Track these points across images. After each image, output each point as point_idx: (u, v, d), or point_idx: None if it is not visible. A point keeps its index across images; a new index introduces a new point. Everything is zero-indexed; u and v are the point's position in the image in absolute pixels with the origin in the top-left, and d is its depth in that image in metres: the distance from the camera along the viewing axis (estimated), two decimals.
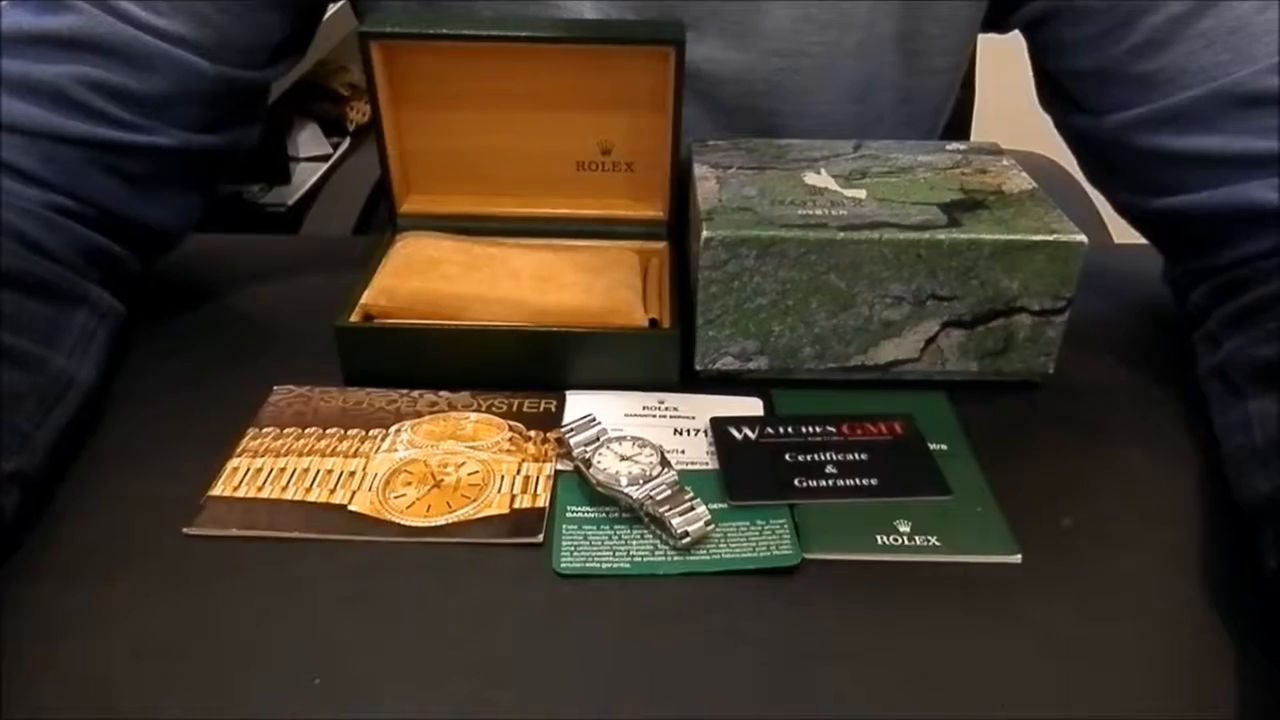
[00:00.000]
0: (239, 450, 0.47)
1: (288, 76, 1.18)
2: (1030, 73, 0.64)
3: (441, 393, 0.51)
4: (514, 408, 0.50)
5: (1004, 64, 0.83)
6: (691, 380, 0.52)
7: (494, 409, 0.50)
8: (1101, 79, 0.57)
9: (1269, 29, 0.51)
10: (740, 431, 0.48)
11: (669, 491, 0.43)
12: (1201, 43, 0.53)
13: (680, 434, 0.49)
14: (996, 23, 0.64)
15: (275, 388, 0.51)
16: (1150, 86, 0.54)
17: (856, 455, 0.47)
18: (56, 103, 0.51)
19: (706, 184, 0.54)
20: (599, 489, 0.44)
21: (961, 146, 0.60)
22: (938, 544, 0.42)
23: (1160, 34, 0.54)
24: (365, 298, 0.53)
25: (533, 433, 0.48)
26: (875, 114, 0.65)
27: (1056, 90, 0.61)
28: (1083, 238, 0.49)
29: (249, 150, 0.62)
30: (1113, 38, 0.55)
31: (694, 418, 0.50)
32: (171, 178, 0.56)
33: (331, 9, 0.66)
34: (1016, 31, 0.64)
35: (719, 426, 0.49)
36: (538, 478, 0.45)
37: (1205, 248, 0.54)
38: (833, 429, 0.48)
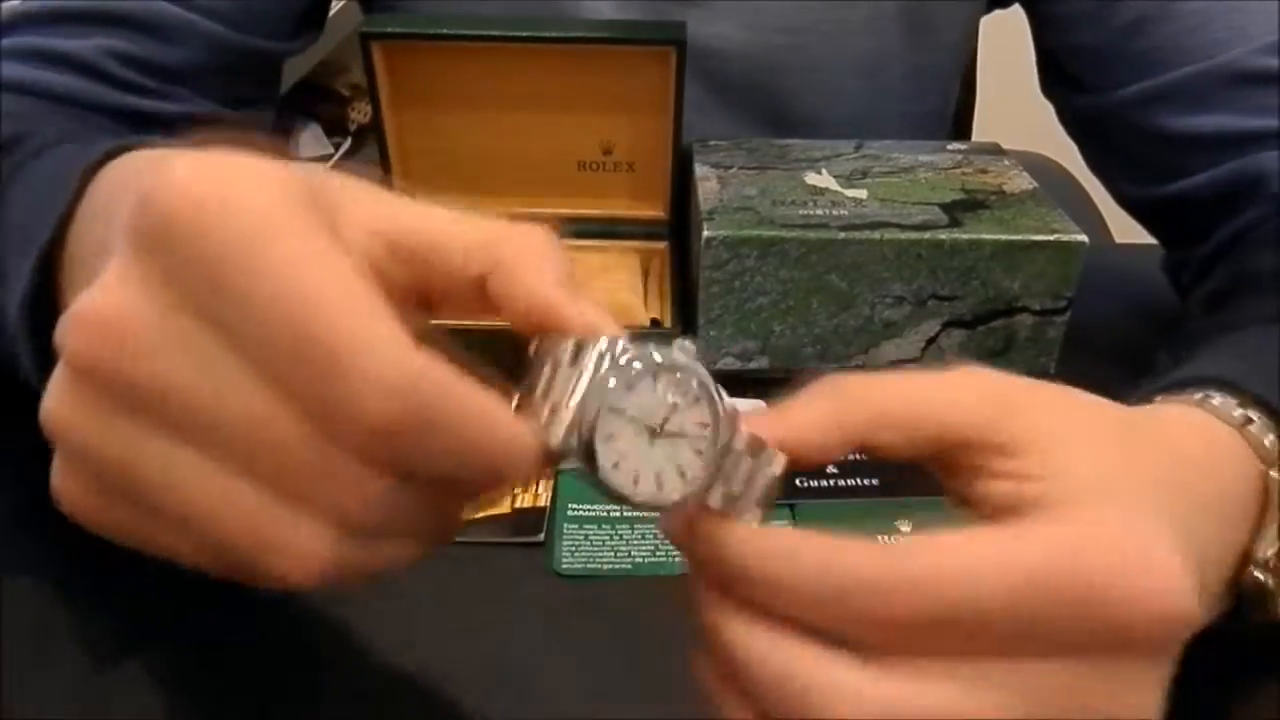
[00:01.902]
0: None
1: (290, 77, 1.18)
2: (1031, 74, 0.64)
3: None
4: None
5: (1005, 64, 0.83)
6: None
7: None
8: (1100, 55, 0.57)
9: (1265, 9, 0.51)
10: None
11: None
12: (1198, 19, 0.53)
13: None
14: None
15: None
16: (1148, 63, 0.54)
17: (856, 455, 0.47)
18: (86, 74, 0.51)
19: (708, 184, 0.54)
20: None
21: (962, 146, 0.60)
22: None
23: (1154, 8, 0.54)
24: None
25: None
26: (884, 90, 0.65)
27: (1059, 73, 0.61)
28: (1083, 237, 0.49)
29: (265, 133, 0.62)
30: (1107, 11, 0.55)
31: None
32: None
33: (335, 7, 0.66)
34: (1018, 33, 0.64)
35: None
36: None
37: (1203, 231, 0.54)
38: None
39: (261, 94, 0.61)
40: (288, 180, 0.23)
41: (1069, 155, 0.64)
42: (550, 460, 0.26)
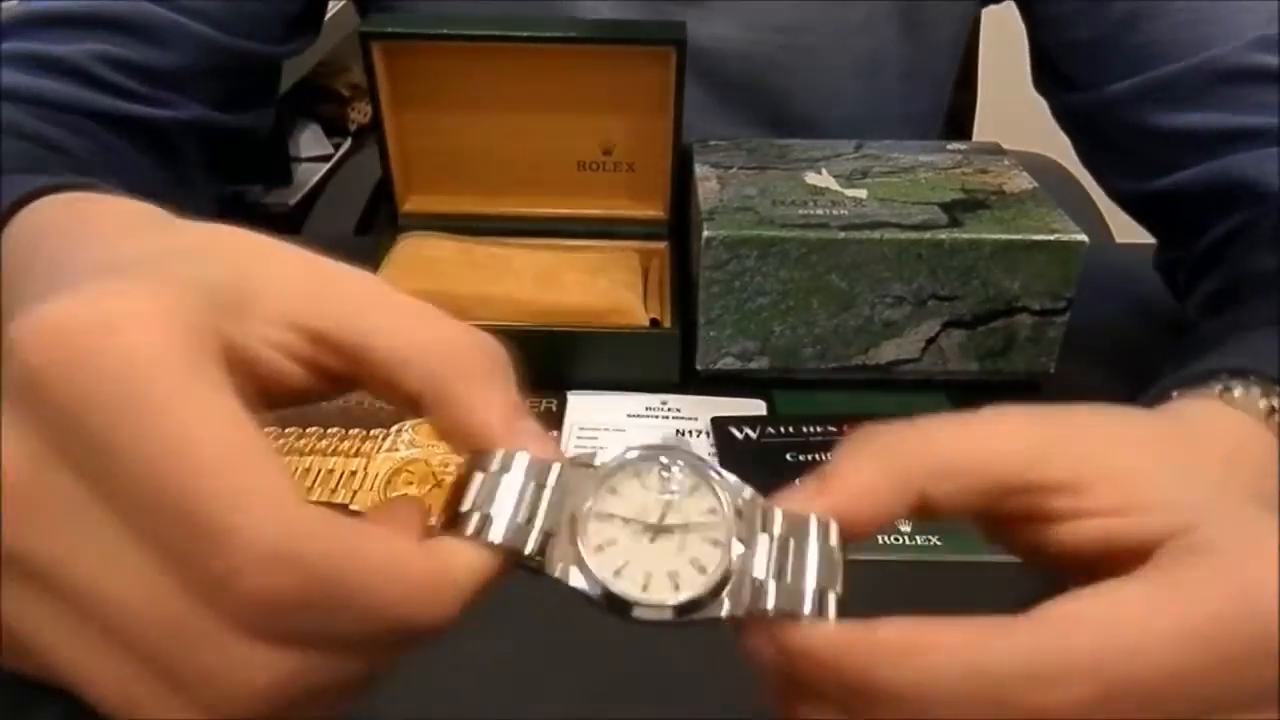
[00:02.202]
0: None
1: (289, 77, 1.18)
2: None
3: None
4: None
5: (1005, 64, 0.83)
6: (693, 380, 0.52)
7: None
8: (1092, 51, 0.57)
9: (1256, 5, 0.51)
10: (741, 431, 0.48)
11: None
12: (1190, 15, 0.53)
13: (682, 434, 0.49)
14: None
15: None
16: (1140, 59, 0.54)
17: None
18: (77, 78, 0.51)
19: (708, 184, 0.54)
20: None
21: (962, 146, 0.60)
22: (938, 544, 0.42)
23: (1144, 5, 0.54)
24: None
25: None
26: (880, 89, 0.65)
27: (1052, 70, 0.61)
28: (1083, 237, 0.49)
29: (264, 134, 0.62)
30: (1100, 8, 0.56)
31: (695, 418, 0.50)
32: (194, 155, 0.57)
33: (334, 7, 0.66)
34: (1018, 33, 0.64)
35: (720, 427, 0.49)
36: None
37: (1194, 229, 0.54)
38: (834, 429, 0.48)
39: (258, 98, 0.60)
40: (170, 314, 0.21)
41: (1069, 155, 0.64)
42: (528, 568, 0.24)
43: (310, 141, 1.62)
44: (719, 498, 0.23)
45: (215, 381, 0.21)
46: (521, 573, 0.42)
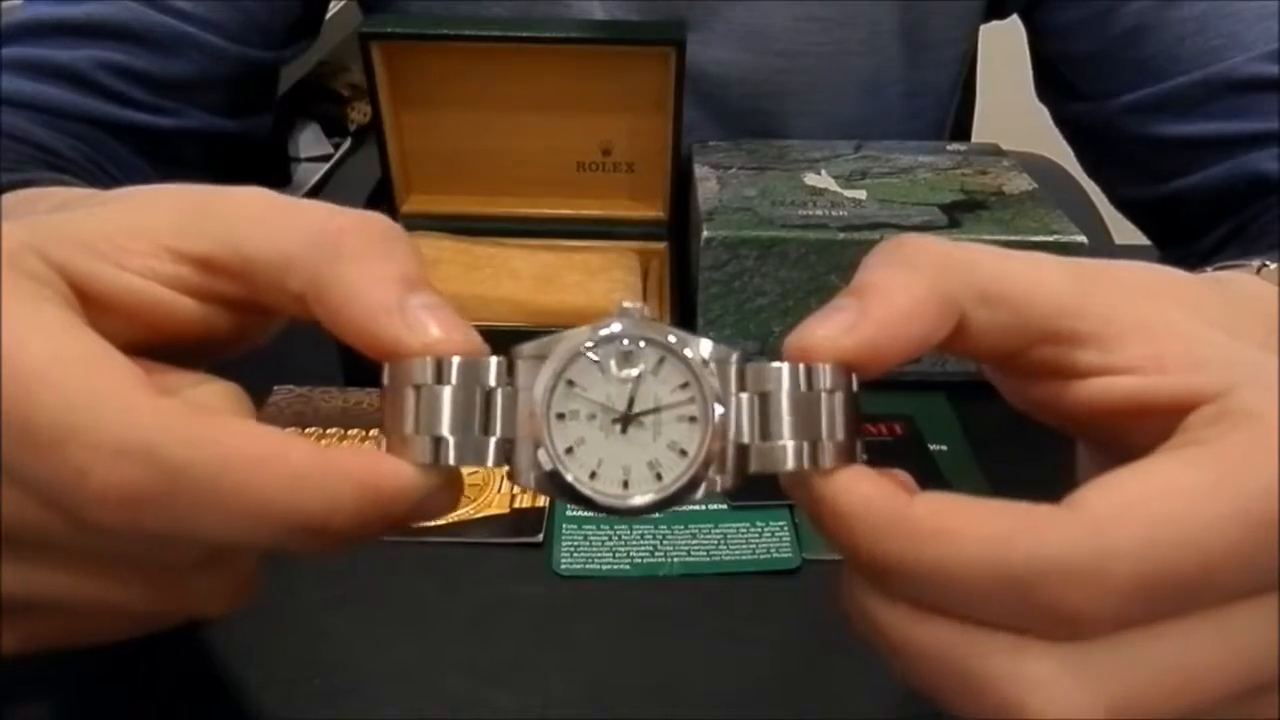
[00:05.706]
0: None
1: (289, 77, 1.18)
2: (1031, 75, 0.64)
3: None
4: None
5: (1005, 66, 0.83)
6: None
7: None
8: (1096, 63, 0.57)
9: (1263, 14, 0.51)
10: None
11: None
12: (1193, 27, 0.53)
13: None
14: (998, 8, 0.64)
15: (275, 387, 0.51)
16: (1144, 71, 0.54)
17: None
18: (78, 85, 0.51)
19: (707, 184, 0.54)
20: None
21: (962, 147, 0.60)
22: None
23: (1148, 17, 0.54)
24: None
25: None
26: (882, 109, 0.65)
27: (1054, 79, 0.61)
28: (1082, 238, 0.49)
29: (263, 139, 0.62)
30: (1103, 21, 0.56)
31: None
32: (194, 162, 0.57)
33: (334, 7, 0.66)
34: (1018, 35, 0.64)
35: None
36: None
37: (1202, 228, 0.54)
38: None
39: (259, 103, 0.61)
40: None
41: (1069, 156, 0.64)
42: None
43: (310, 141, 1.62)
44: (688, 369, 0.21)
45: (38, 300, 0.20)
46: (514, 576, 0.42)
